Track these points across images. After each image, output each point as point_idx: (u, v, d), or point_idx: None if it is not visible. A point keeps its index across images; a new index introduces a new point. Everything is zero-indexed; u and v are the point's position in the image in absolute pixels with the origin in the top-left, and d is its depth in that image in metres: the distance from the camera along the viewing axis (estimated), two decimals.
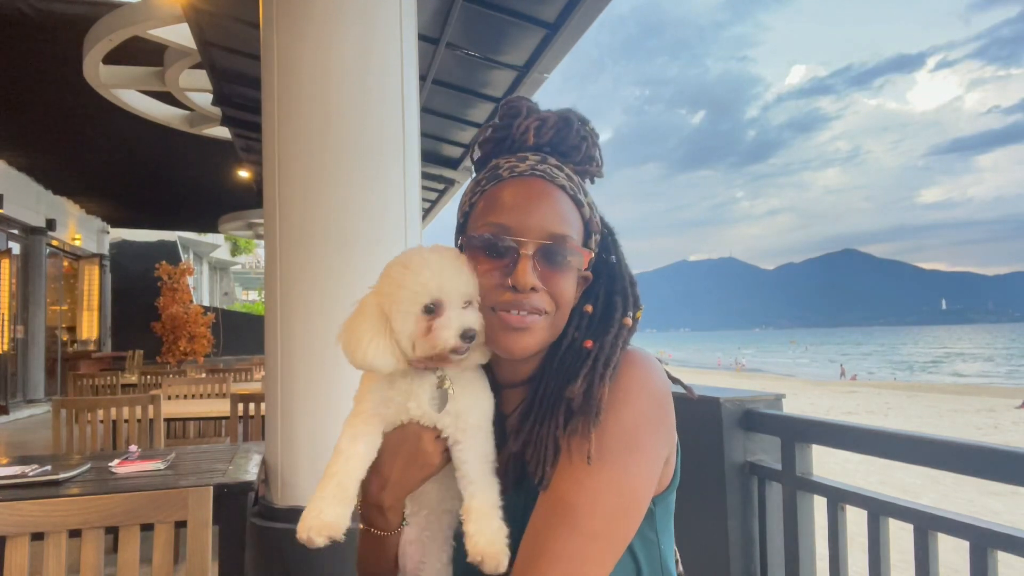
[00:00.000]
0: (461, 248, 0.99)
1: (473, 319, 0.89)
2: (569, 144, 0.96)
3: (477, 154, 1.02)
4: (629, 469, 0.85)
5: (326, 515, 0.87)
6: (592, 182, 1.01)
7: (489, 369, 1.03)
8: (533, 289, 0.89)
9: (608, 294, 0.97)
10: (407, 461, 0.93)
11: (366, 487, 0.96)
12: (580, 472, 0.82)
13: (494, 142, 0.99)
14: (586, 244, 0.97)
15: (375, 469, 0.95)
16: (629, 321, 0.93)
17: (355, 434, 0.93)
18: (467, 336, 0.87)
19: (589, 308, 0.96)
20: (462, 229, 0.99)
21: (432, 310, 0.88)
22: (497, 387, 1.01)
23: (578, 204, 0.95)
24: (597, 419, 0.83)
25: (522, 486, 0.91)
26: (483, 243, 0.91)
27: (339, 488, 0.89)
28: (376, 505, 0.95)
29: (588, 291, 0.98)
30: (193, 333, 13.63)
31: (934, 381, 38.63)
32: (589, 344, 0.91)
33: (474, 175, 1.02)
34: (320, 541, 0.87)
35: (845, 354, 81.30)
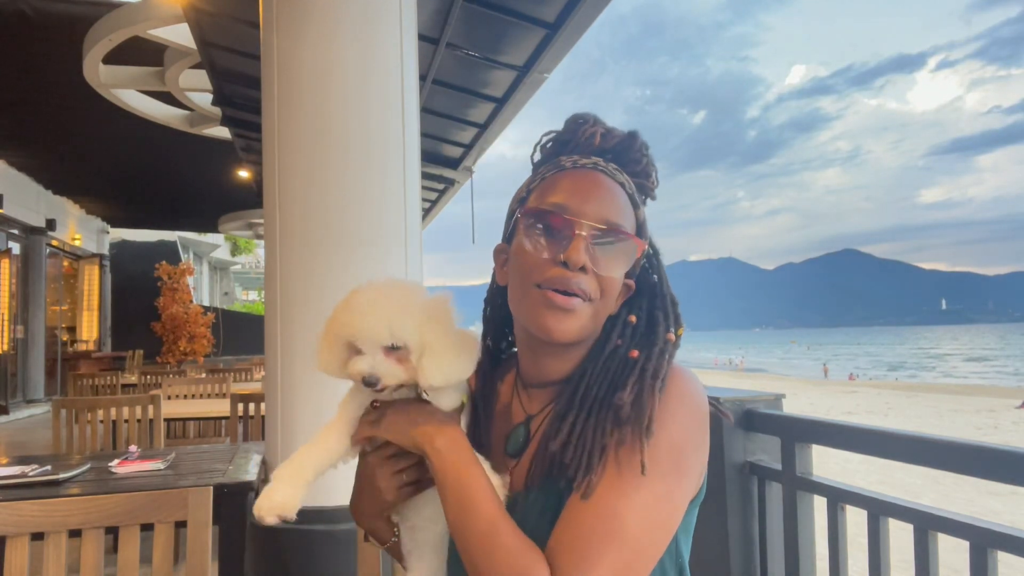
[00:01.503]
0: (511, 234, 1.00)
1: (384, 368, 0.90)
2: (630, 156, 0.99)
3: (538, 156, 1.04)
4: (675, 484, 0.85)
5: (277, 496, 0.91)
6: (644, 202, 1.02)
7: (515, 364, 1.05)
8: (583, 270, 0.90)
9: (651, 309, 0.98)
10: (368, 493, 0.98)
11: (351, 509, 1.03)
12: (629, 485, 0.82)
13: (558, 143, 1.02)
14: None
15: (352, 496, 1.02)
16: (672, 337, 0.94)
17: (329, 430, 0.98)
18: (368, 382, 0.90)
19: (633, 318, 0.97)
20: (515, 216, 1.00)
21: (352, 346, 0.92)
22: (527, 387, 1.02)
23: (634, 204, 0.97)
24: (650, 431, 0.83)
25: (546, 486, 0.91)
26: (538, 219, 0.93)
27: (295, 471, 0.93)
28: (359, 525, 1.03)
29: (631, 303, 0.99)
30: (193, 333, 13.65)
31: (927, 381, 38.68)
32: (635, 354, 0.92)
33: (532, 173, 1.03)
34: (270, 520, 0.90)
35: (836, 355, 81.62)
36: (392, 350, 0.91)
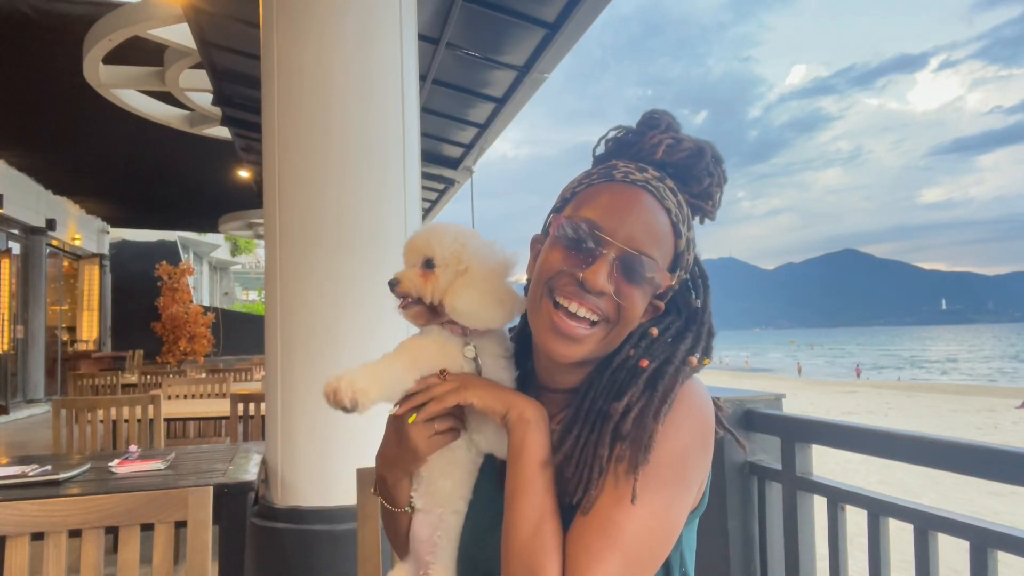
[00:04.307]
0: (547, 228, 0.98)
1: (406, 274, 0.97)
2: (693, 174, 0.93)
3: (601, 149, 0.99)
4: (676, 496, 0.84)
5: (360, 382, 0.88)
6: (701, 221, 0.97)
7: (532, 369, 1.03)
8: (601, 293, 0.87)
9: (681, 330, 0.94)
10: (398, 444, 0.96)
11: (378, 457, 1.02)
12: (628, 497, 0.81)
13: (622, 144, 0.97)
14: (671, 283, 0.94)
15: (381, 447, 1.02)
16: (694, 361, 0.90)
17: (391, 362, 0.95)
18: (390, 283, 0.97)
19: (655, 331, 0.93)
20: (557, 212, 0.97)
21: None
22: (539, 389, 1.00)
23: (676, 234, 0.91)
24: (646, 457, 0.81)
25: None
26: (567, 232, 0.89)
27: (376, 373, 0.91)
28: (381, 477, 1.01)
29: (660, 320, 0.95)
30: (193, 333, 13.64)
31: (918, 378, 38.82)
32: (645, 363, 0.88)
33: (589, 168, 0.99)
34: (346, 396, 0.86)
35: (822, 356, 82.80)
36: (426, 267, 0.96)
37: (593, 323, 0.89)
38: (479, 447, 0.98)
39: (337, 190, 2.71)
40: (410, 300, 0.97)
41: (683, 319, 0.96)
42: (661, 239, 0.89)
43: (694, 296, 0.98)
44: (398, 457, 0.97)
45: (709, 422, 0.89)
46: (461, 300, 0.93)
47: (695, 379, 0.90)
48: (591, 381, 0.92)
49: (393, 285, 0.97)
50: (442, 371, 0.96)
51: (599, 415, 0.87)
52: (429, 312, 0.98)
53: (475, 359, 0.97)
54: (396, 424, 0.97)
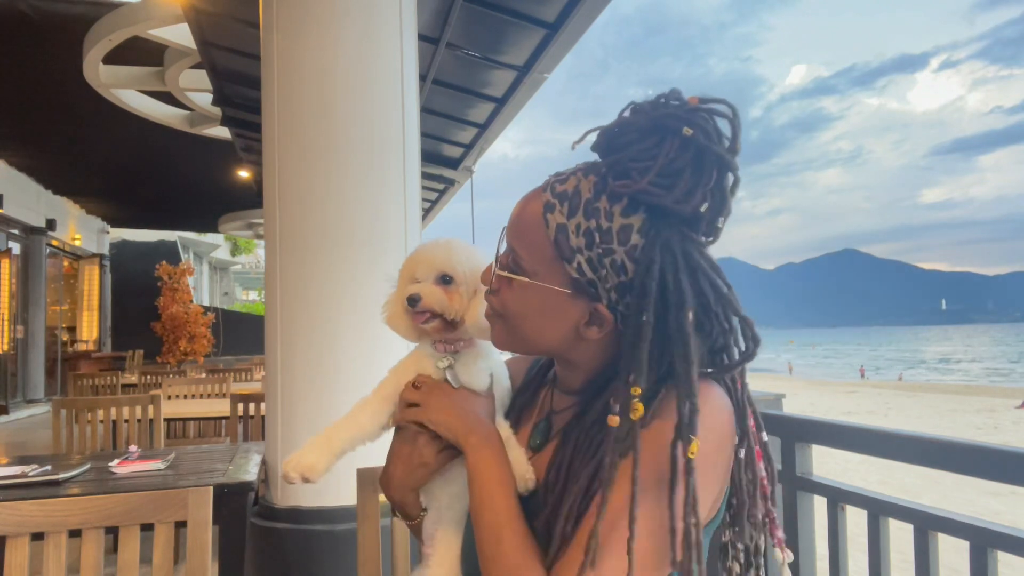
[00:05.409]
0: None
1: (428, 290, 0.97)
2: (629, 158, 0.79)
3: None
4: (678, 502, 0.78)
5: (307, 458, 0.94)
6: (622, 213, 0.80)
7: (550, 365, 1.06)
8: (488, 288, 0.93)
9: (652, 387, 0.79)
10: (405, 462, 0.99)
11: (381, 481, 1.04)
12: (640, 494, 0.76)
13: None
14: (579, 279, 0.83)
15: (384, 468, 1.03)
16: (692, 452, 0.74)
17: (364, 405, 1.01)
18: (410, 299, 0.97)
19: (637, 391, 0.78)
20: None
21: (414, 281, 1.00)
22: (558, 389, 1.00)
23: (544, 222, 0.83)
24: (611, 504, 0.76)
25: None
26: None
27: (327, 441, 0.97)
28: (389, 499, 1.04)
29: (623, 358, 0.81)
30: (193, 333, 13.63)
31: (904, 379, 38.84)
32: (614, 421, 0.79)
33: None
34: (294, 477, 0.94)
35: (818, 356, 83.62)
36: (444, 282, 0.98)
37: (499, 315, 0.93)
38: None
39: (337, 190, 2.71)
40: (430, 315, 0.99)
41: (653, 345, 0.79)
42: (527, 230, 0.86)
43: (643, 318, 0.78)
44: (404, 473, 0.99)
45: (721, 431, 0.83)
46: (483, 319, 0.96)
47: (708, 384, 0.83)
48: (571, 431, 0.90)
49: (415, 301, 0.97)
50: (415, 381, 0.99)
51: (573, 475, 0.86)
52: (445, 328, 1.00)
53: (448, 371, 1.00)
54: (404, 436, 1.00)
